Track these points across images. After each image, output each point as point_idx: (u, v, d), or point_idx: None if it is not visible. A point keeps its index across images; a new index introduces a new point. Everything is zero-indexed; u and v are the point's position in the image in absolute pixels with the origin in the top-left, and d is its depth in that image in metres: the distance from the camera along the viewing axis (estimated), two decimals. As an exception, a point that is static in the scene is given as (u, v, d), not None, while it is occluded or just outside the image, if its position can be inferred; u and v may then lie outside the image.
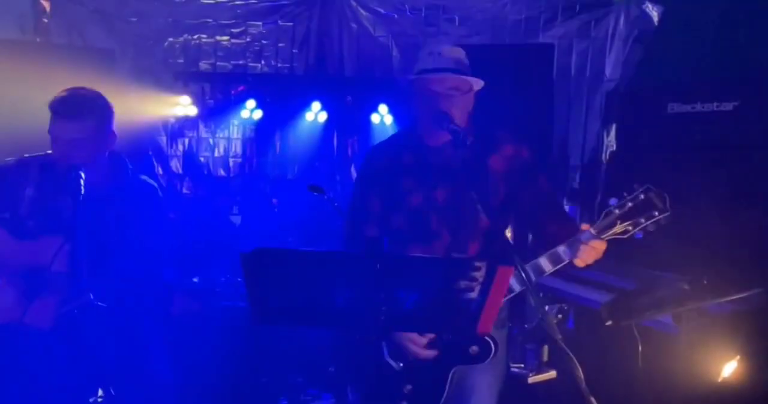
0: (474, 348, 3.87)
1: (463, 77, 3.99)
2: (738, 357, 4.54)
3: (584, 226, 3.63)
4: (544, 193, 4.12)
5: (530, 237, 5.56)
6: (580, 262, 3.65)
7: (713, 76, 5.93)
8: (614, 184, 6.97)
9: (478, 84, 4.08)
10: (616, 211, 3.55)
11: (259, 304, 3.09)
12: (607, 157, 7.33)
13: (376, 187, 4.18)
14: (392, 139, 4.42)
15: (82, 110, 4.08)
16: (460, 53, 4.11)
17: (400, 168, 4.13)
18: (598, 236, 3.58)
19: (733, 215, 5.11)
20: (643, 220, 3.52)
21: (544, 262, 3.72)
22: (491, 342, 3.86)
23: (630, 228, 3.55)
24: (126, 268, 4.15)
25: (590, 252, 3.60)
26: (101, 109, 4.18)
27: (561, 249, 3.68)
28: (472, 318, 3.03)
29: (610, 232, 3.58)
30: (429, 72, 4.01)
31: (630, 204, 3.52)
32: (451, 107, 3.92)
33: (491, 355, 3.88)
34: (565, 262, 3.69)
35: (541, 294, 3.61)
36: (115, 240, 4.18)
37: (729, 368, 4.56)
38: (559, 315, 5.77)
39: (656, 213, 3.50)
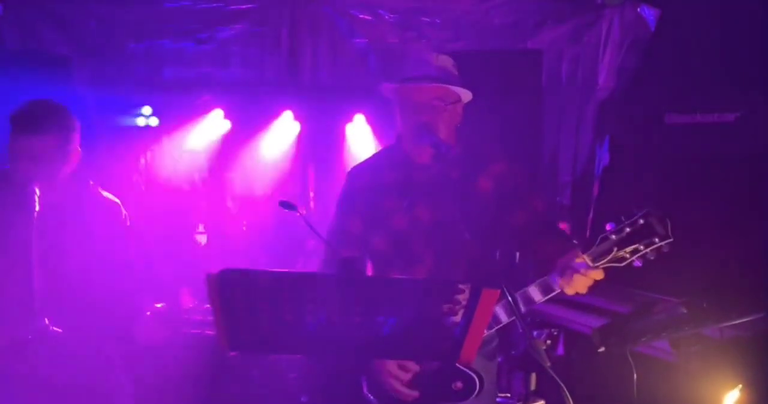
0: (457, 384, 3.82)
1: (448, 86, 3.98)
2: (740, 386, 4.56)
3: (578, 257, 3.55)
4: (538, 214, 4.10)
5: (517, 255, 5.57)
6: (569, 290, 3.59)
7: (713, 84, 5.96)
8: (607, 199, 7.01)
9: (466, 95, 4.07)
10: (613, 237, 3.44)
11: (227, 330, 3.08)
12: (600, 171, 7.33)
13: (358, 207, 4.18)
14: (375, 156, 4.42)
15: (46, 127, 4.07)
16: (448, 62, 4.11)
17: (383, 187, 4.12)
18: (593, 264, 3.49)
19: (734, 233, 5.14)
20: (642, 247, 3.41)
21: (534, 292, 3.69)
22: (475, 377, 3.82)
23: (627, 255, 3.45)
24: (85, 292, 4.12)
25: (581, 280, 3.52)
26: (67, 125, 4.18)
27: (552, 277, 3.64)
28: (455, 344, 3.02)
29: (605, 260, 3.48)
30: (411, 80, 4.01)
31: (628, 229, 3.41)
32: (434, 119, 3.92)
33: (476, 391, 3.84)
34: (557, 291, 3.66)
35: (529, 319, 3.57)
36: (74, 261, 4.16)
37: (731, 398, 4.58)
38: (549, 341, 5.74)
39: (657, 240, 3.38)
